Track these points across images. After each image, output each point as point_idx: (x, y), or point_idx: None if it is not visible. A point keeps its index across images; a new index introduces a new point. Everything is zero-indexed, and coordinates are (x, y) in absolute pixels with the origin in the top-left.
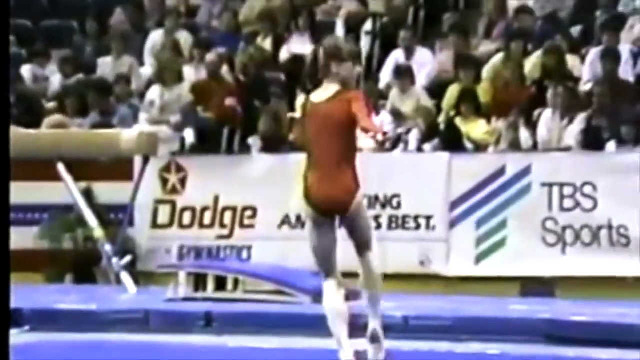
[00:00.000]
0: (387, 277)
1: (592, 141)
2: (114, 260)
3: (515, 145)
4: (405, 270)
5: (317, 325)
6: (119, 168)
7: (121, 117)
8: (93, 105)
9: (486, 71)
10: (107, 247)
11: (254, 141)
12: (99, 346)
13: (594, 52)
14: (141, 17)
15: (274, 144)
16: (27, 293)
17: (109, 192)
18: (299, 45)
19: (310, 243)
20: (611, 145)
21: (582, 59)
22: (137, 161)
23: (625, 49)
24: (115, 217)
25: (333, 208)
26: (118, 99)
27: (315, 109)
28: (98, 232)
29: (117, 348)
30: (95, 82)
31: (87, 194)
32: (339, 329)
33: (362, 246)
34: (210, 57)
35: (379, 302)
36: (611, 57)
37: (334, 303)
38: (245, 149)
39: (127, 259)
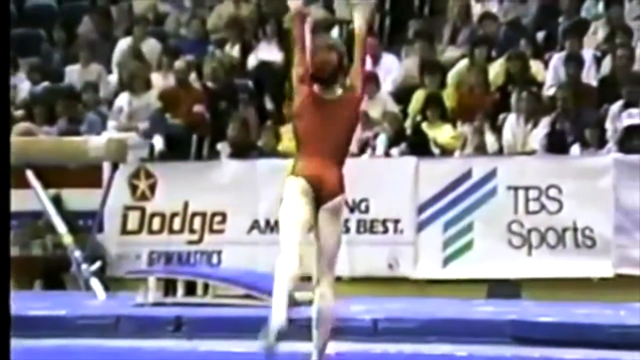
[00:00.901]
0: (355, 280)
1: (556, 144)
2: (84, 266)
3: (480, 150)
4: (373, 274)
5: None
6: (88, 175)
7: (89, 124)
8: (61, 113)
9: (451, 77)
10: (77, 254)
11: (222, 147)
12: (69, 352)
13: (557, 57)
14: (109, 26)
15: (243, 150)
16: None
17: (78, 198)
18: (267, 53)
19: (283, 213)
20: (575, 149)
21: (546, 64)
22: (106, 168)
23: (588, 53)
24: (85, 224)
25: (321, 183)
26: (86, 106)
27: (323, 102)
28: (67, 238)
29: (87, 353)
30: (63, 90)
31: (56, 201)
32: (280, 290)
33: (322, 262)
34: (179, 64)
35: (324, 342)
36: (574, 62)
37: (286, 264)
38: (214, 154)
39: (97, 265)
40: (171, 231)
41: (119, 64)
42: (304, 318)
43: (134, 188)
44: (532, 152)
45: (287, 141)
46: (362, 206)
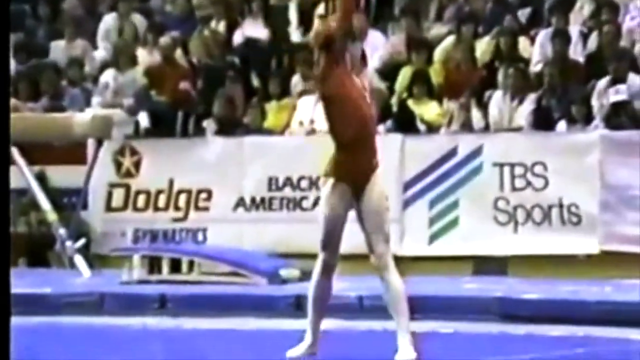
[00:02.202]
0: (341, 257)
1: (542, 121)
2: (68, 243)
3: (467, 126)
4: (359, 251)
5: (272, 306)
6: (72, 152)
7: (71, 100)
8: (45, 89)
9: (438, 53)
10: (61, 231)
11: (208, 124)
12: (53, 329)
13: (543, 34)
14: (94, 1)
15: (229, 127)
16: None
17: (62, 175)
18: (253, 29)
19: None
20: (561, 125)
21: (532, 40)
22: (91, 144)
23: (574, 30)
24: (69, 201)
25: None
26: (71, 82)
27: (350, 82)
28: (52, 215)
29: (72, 331)
30: (48, 65)
31: (41, 178)
32: (310, 316)
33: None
34: (164, 40)
35: (403, 318)
36: (561, 38)
37: (311, 287)
38: (199, 132)
39: (81, 242)
40: (156, 208)
41: (106, 39)
42: (291, 295)
43: (118, 165)
44: (518, 129)
45: (272, 118)
46: None
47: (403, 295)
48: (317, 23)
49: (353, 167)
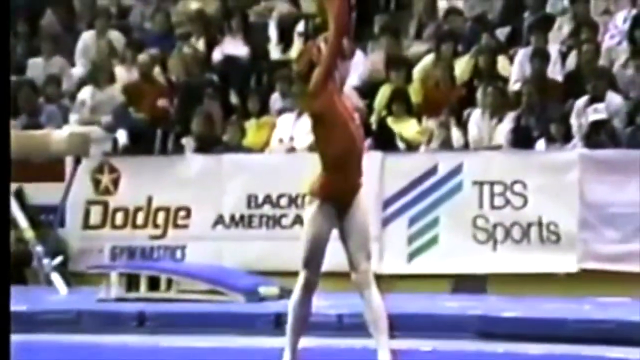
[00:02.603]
0: (321, 275)
1: (521, 140)
2: (45, 261)
3: (446, 144)
4: (339, 269)
5: (250, 324)
6: (50, 169)
7: (48, 117)
8: (23, 106)
9: (417, 72)
10: (38, 248)
11: (187, 142)
12: (30, 347)
13: (522, 53)
14: (72, 18)
15: (208, 145)
16: None
17: (40, 192)
18: (232, 47)
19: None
20: (540, 144)
21: (511, 59)
22: (69, 162)
23: (553, 49)
24: (47, 218)
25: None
26: (48, 99)
27: (339, 101)
28: (29, 233)
29: (49, 349)
30: (26, 82)
31: (18, 195)
32: (288, 334)
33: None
34: (143, 58)
35: (383, 336)
36: (540, 57)
37: (291, 305)
38: (178, 149)
39: (58, 259)
40: (134, 226)
41: (84, 56)
42: (270, 313)
43: (96, 182)
44: (497, 147)
45: (252, 136)
46: None
47: (384, 313)
48: (300, 44)
49: (340, 187)
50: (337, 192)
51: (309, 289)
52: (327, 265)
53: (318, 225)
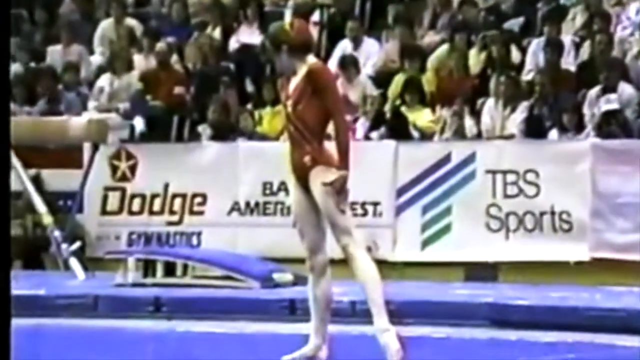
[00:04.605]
0: (335, 262)
1: (534, 129)
2: (63, 246)
3: (459, 134)
4: None
5: (264, 310)
6: (68, 155)
7: (67, 104)
8: (42, 93)
9: (431, 61)
10: (56, 234)
11: (203, 129)
12: (47, 331)
13: (535, 43)
14: (90, 6)
15: (223, 132)
16: None
17: (58, 179)
18: (248, 36)
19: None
20: (553, 133)
21: (523, 49)
22: (87, 148)
23: (567, 39)
24: (64, 204)
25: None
26: (66, 86)
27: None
28: (47, 218)
29: (66, 333)
30: (44, 70)
31: (36, 181)
32: (312, 316)
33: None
34: (160, 46)
35: (374, 301)
36: (553, 47)
37: (309, 289)
38: (194, 136)
39: (76, 245)
40: (151, 212)
41: (102, 44)
42: (284, 299)
43: (114, 169)
44: (510, 137)
45: (267, 124)
46: None
47: (378, 282)
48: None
49: (291, 162)
50: (292, 167)
51: (312, 270)
52: (339, 252)
53: (295, 202)
